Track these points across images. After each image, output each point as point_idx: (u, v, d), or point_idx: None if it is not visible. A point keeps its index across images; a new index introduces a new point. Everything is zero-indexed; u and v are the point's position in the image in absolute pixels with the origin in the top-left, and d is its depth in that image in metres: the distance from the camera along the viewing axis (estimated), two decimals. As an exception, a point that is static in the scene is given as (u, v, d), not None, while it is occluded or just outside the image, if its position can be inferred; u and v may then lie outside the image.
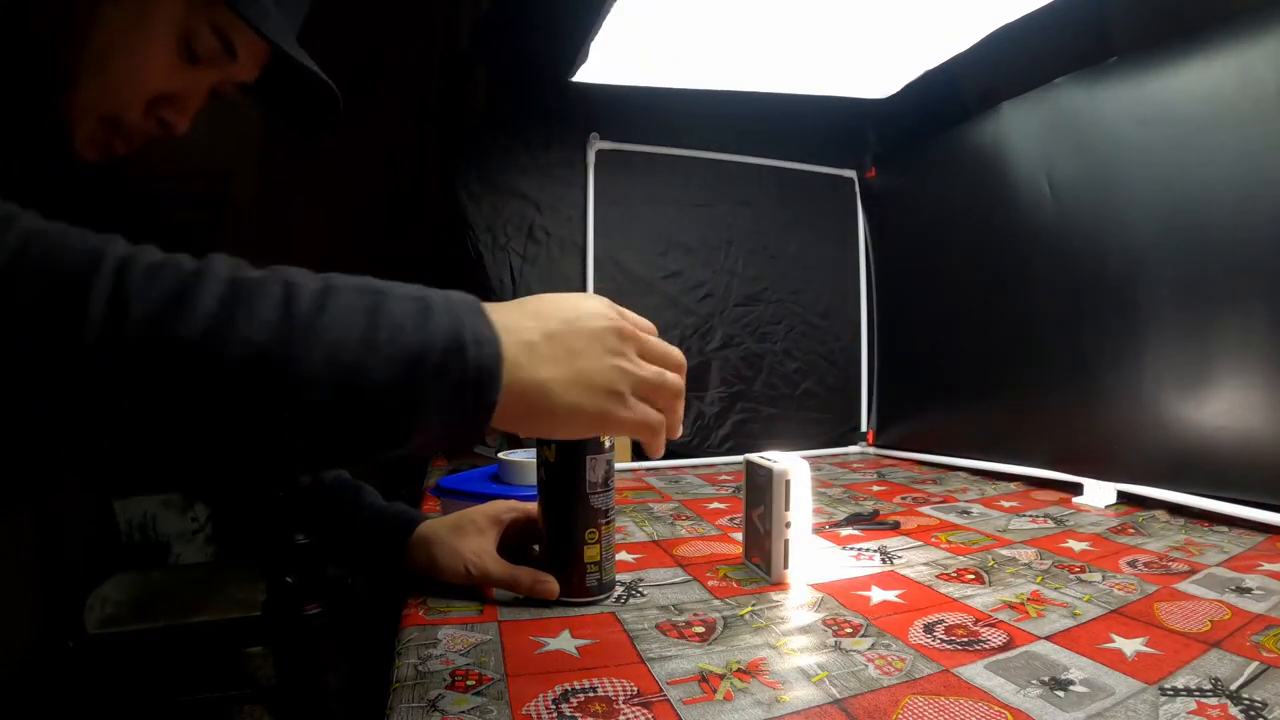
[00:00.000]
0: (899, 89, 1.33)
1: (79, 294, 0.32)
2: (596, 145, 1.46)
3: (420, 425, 0.39)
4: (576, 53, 1.12)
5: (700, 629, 0.60)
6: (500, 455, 0.97)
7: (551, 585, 0.64)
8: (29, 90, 0.55)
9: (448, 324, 0.40)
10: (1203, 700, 0.47)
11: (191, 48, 0.57)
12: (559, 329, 0.45)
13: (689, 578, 0.74)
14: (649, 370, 0.48)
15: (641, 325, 0.50)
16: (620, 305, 0.49)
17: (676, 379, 0.50)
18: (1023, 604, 0.65)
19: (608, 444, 0.64)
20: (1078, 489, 1.10)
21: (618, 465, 0.68)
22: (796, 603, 0.67)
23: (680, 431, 0.51)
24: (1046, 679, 0.50)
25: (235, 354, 0.34)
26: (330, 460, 0.44)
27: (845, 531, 0.92)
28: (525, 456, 0.94)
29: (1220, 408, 0.94)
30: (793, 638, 0.58)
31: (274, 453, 0.39)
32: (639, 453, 1.44)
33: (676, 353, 0.51)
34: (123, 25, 0.55)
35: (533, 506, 0.68)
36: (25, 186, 0.62)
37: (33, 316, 0.31)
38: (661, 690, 0.49)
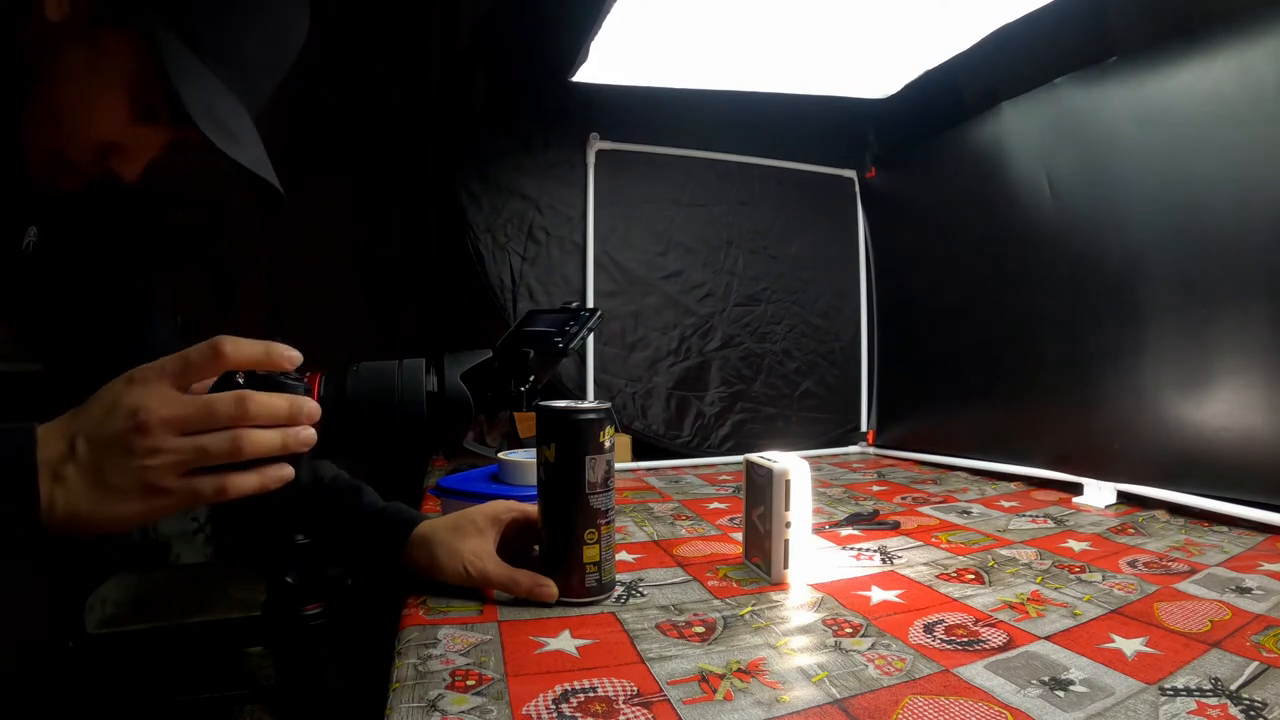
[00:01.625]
0: (899, 89, 1.33)
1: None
2: (596, 145, 1.46)
3: None
4: (576, 53, 1.12)
5: (700, 629, 0.60)
6: (500, 455, 0.96)
7: (550, 589, 0.64)
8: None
9: None
10: (1203, 700, 0.47)
11: (148, 105, 0.58)
12: (85, 453, 0.46)
13: (689, 578, 0.74)
14: (182, 446, 0.47)
15: (173, 403, 0.47)
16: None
17: (218, 440, 0.47)
18: (1023, 604, 0.65)
19: (608, 444, 0.64)
20: (1078, 489, 1.10)
21: (618, 465, 0.68)
22: (796, 603, 0.67)
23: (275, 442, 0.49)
24: (1046, 679, 0.50)
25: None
26: None
27: (845, 531, 0.92)
28: (525, 456, 0.94)
29: (1220, 408, 0.94)
30: (793, 638, 0.58)
31: None
32: (639, 453, 1.44)
33: (217, 402, 0.48)
34: (78, 71, 0.56)
35: (533, 507, 0.68)
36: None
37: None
38: (661, 690, 0.49)
